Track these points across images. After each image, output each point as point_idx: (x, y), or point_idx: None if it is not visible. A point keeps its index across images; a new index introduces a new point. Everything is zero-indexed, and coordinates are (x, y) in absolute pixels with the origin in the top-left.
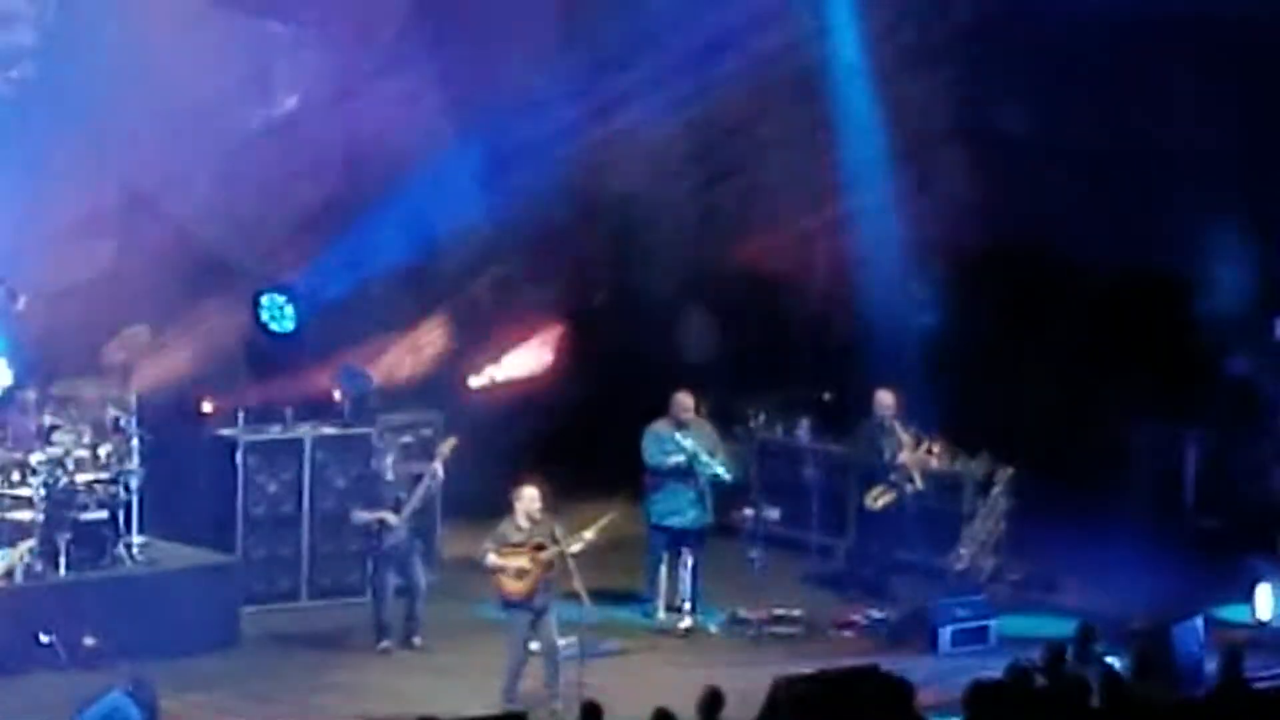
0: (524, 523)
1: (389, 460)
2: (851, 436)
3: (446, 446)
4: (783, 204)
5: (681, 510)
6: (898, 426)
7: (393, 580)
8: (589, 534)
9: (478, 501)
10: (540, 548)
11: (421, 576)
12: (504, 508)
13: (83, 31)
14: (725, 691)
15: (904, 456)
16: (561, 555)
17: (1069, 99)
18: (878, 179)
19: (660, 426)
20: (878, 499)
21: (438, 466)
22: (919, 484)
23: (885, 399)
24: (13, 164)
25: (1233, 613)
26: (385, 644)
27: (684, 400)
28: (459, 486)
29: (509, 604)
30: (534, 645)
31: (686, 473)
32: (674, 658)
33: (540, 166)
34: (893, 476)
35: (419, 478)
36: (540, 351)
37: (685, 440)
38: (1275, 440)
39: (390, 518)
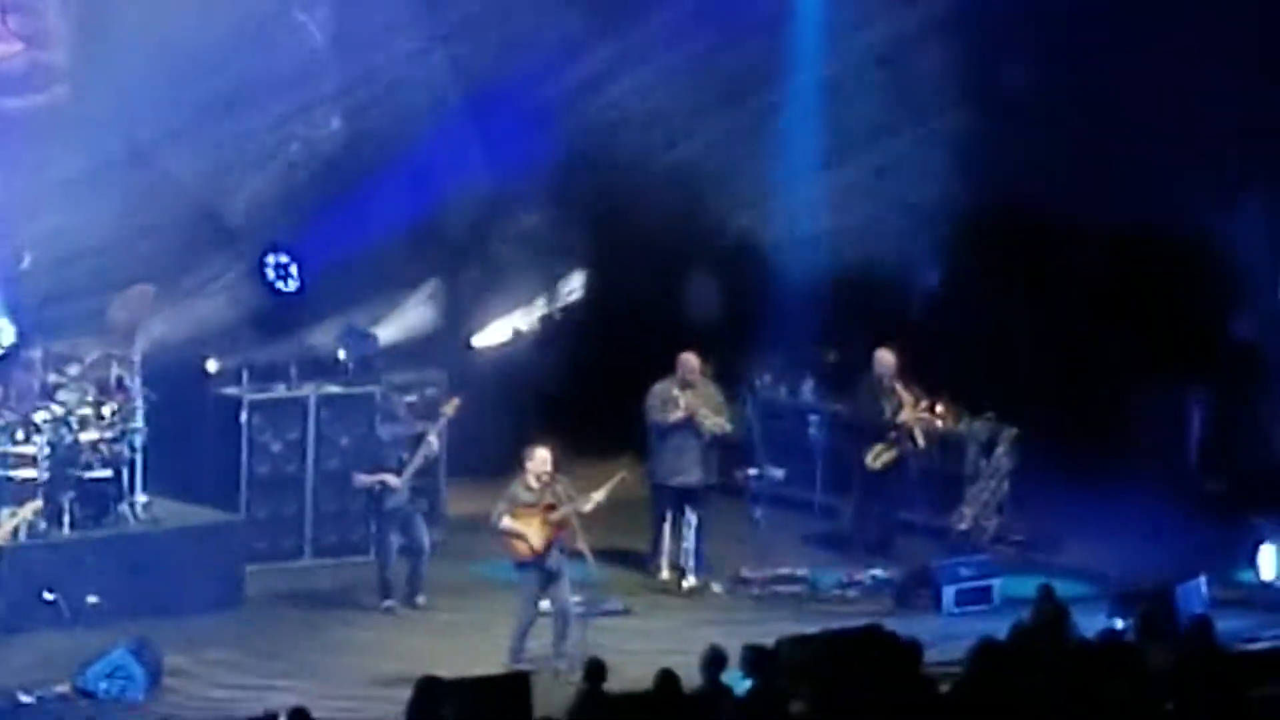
0: (534, 483)
1: (395, 422)
2: (851, 395)
3: (450, 406)
4: (786, 165)
5: (685, 469)
6: (898, 386)
7: (396, 540)
8: (600, 494)
9: (483, 461)
10: (551, 508)
11: (425, 536)
12: (509, 467)
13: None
14: (728, 651)
15: (905, 415)
16: (572, 515)
17: (1072, 60)
18: (879, 140)
19: (664, 386)
20: (878, 457)
21: (439, 427)
22: (920, 442)
23: (885, 358)
24: (18, 125)
25: (1237, 574)
26: (389, 603)
27: (690, 361)
28: (464, 446)
29: (521, 565)
30: (543, 605)
31: (689, 431)
32: (677, 617)
33: (546, 126)
34: (894, 435)
35: (421, 438)
36: (537, 311)
37: (684, 397)
38: (1279, 402)
39: (391, 480)
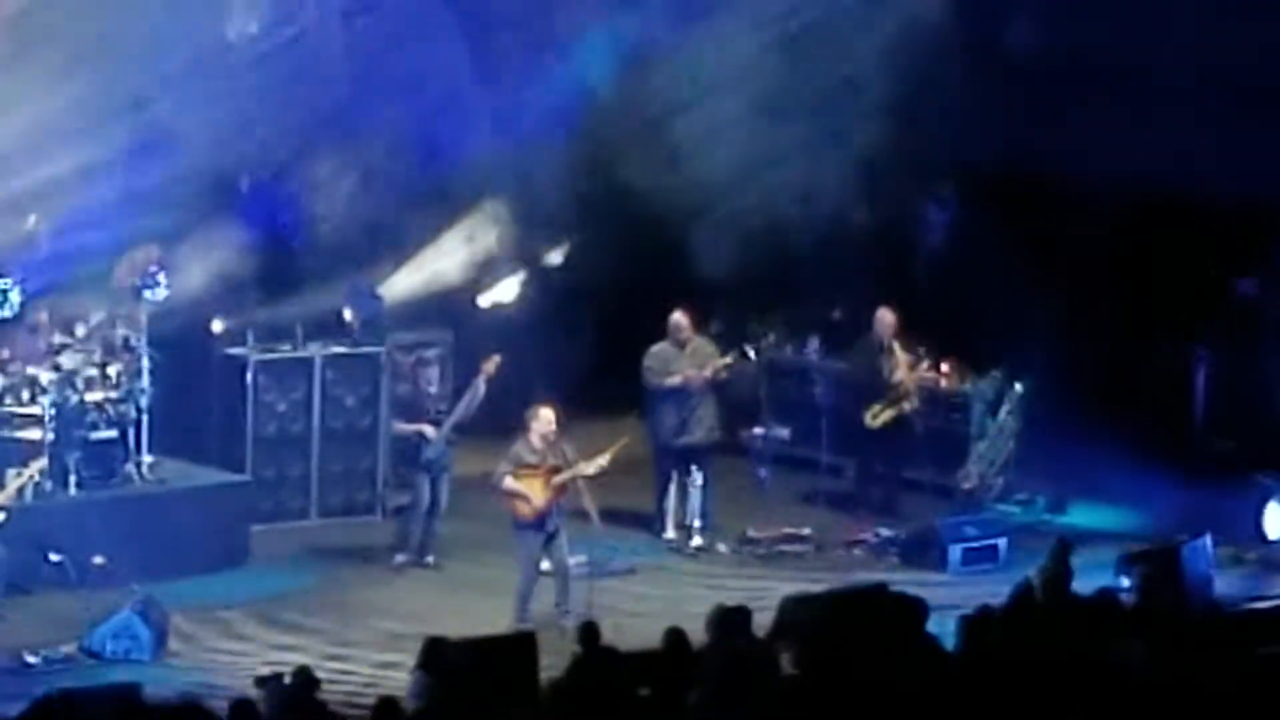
0: (538, 444)
1: (433, 374)
2: (851, 354)
3: (491, 364)
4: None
5: (688, 429)
6: (896, 346)
7: (426, 494)
8: (604, 458)
9: (485, 421)
10: (555, 470)
11: (445, 495)
12: (512, 427)
13: None
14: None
15: (899, 375)
16: (576, 478)
17: (1077, 16)
18: (881, 95)
19: (661, 348)
20: (877, 416)
21: (480, 383)
22: (914, 403)
23: (886, 317)
24: (20, 83)
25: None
26: (401, 558)
27: (680, 321)
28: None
29: (521, 525)
30: (545, 565)
31: (690, 391)
32: (684, 577)
33: (552, 85)
34: (892, 394)
35: (460, 393)
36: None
37: (680, 360)
38: None
39: (430, 431)
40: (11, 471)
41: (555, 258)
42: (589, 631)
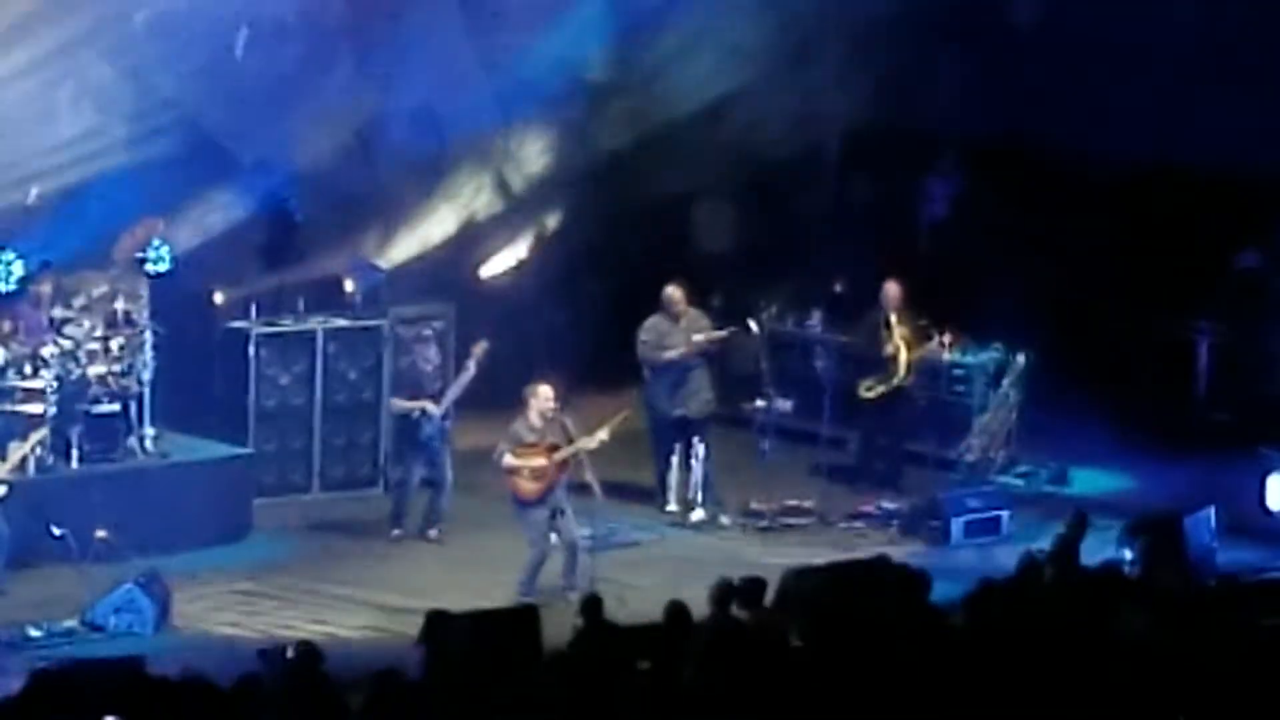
0: (537, 421)
1: (431, 351)
2: (855, 327)
3: (479, 349)
4: (795, 93)
5: (684, 401)
6: (894, 319)
7: (419, 472)
8: (603, 433)
9: (486, 394)
10: (555, 447)
11: (449, 470)
12: (513, 401)
13: None
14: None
15: (890, 349)
16: (577, 453)
17: None
18: (885, 66)
19: (655, 322)
20: (870, 389)
21: (471, 365)
22: (902, 376)
23: (891, 290)
24: (20, 58)
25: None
26: (397, 532)
27: (673, 294)
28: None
29: (524, 504)
30: (552, 539)
31: (685, 363)
32: (686, 549)
33: (549, 54)
34: (888, 368)
35: (457, 371)
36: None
37: (675, 334)
38: None
39: (431, 407)
40: (13, 444)
41: (552, 223)
42: (592, 604)
